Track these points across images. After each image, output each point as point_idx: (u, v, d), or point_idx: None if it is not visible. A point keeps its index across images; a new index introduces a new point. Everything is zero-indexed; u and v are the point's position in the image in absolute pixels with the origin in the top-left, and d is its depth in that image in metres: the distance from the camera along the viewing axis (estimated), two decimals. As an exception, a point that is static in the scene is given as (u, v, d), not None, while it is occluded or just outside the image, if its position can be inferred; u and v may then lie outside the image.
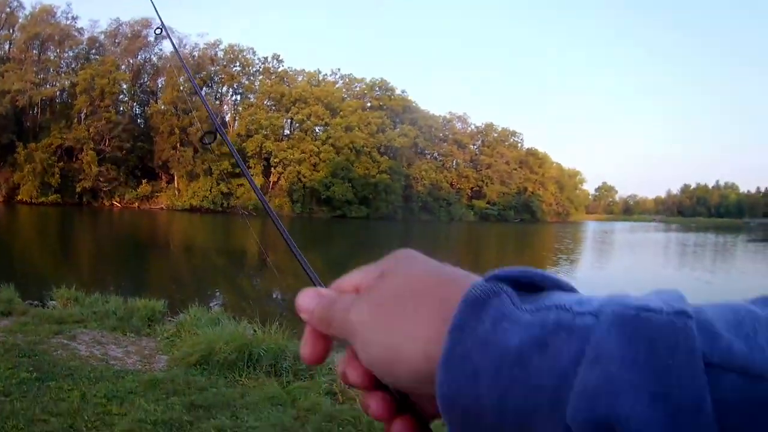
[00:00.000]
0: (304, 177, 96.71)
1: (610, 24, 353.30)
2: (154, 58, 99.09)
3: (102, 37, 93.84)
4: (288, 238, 0.86)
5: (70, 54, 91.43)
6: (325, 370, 9.55)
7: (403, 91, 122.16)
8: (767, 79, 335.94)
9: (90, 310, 13.50)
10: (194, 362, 9.72)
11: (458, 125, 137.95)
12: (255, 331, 11.28)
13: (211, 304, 17.69)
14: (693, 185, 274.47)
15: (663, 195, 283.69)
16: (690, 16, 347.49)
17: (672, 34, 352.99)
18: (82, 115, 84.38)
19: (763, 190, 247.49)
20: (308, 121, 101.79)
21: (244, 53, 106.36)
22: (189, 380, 8.74)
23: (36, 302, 14.93)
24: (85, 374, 8.45)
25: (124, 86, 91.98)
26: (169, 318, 13.98)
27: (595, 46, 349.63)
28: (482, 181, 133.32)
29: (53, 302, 14.76)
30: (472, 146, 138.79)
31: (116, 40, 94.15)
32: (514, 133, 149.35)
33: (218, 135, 1.84)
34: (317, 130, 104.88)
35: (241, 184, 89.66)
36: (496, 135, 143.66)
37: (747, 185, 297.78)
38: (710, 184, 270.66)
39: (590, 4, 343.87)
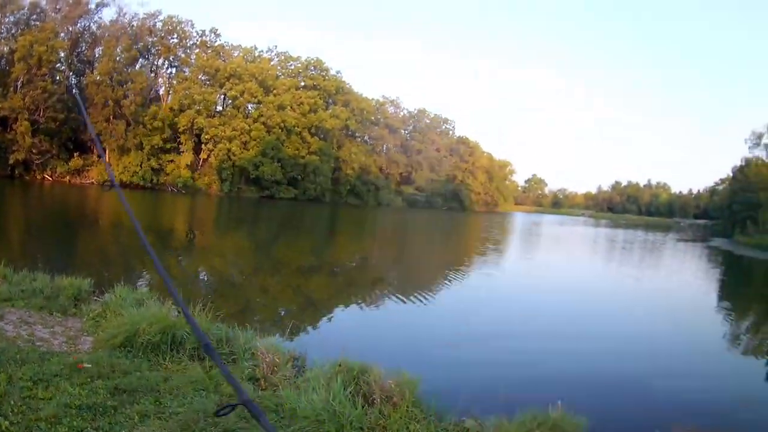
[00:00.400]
0: (234, 155, 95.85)
1: (545, 15, 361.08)
2: (94, 27, 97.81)
3: (44, 2, 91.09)
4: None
5: (11, 19, 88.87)
6: (247, 355, 10.40)
7: (337, 72, 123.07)
8: (707, 82, 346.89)
9: (18, 288, 13.80)
10: (119, 344, 10.06)
11: (390, 109, 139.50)
12: (178, 312, 11.17)
13: (138, 284, 17.66)
14: (624, 183, 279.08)
15: (593, 191, 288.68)
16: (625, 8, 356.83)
17: (607, 26, 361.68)
18: (19, 84, 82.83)
19: (695, 192, 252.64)
20: (241, 98, 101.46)
21: (182, 25, 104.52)
22: (113, 363, 9.03)
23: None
24: (11, 356, 8.69)
25: (62, 54, 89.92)
26: (96, 297, 14.12)
27: (532, 37, 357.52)
28: (412, 167, 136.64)
29: (-22, 278, 14.83)
30: (403, 131, 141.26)
31: (57, 6, 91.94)
32: (446, 120, 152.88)
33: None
34: (249, 108, 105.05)
35: (171, 160, 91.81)
36: (428, 121, 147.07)
37: (679, 186, 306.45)
38: (642, 183, 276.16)
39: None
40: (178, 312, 10.98)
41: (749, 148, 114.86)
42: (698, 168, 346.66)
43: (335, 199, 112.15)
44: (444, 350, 15.28)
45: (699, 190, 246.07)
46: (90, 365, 8.83)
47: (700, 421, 11.16)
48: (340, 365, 9.32)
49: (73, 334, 11.16)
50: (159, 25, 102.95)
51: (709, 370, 16.60)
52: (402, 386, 8.84)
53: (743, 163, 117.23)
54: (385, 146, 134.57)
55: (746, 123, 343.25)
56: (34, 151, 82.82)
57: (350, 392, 8.47)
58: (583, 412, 8.86)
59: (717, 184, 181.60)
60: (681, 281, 39.31)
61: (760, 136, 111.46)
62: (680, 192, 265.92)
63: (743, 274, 53.40)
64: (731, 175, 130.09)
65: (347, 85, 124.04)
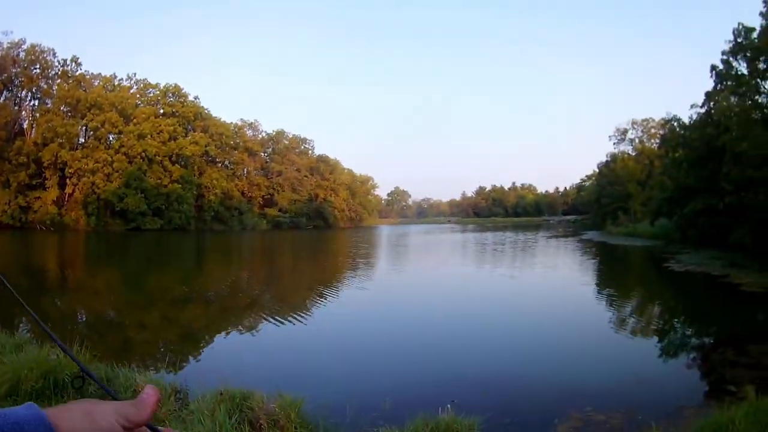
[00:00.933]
0: (98, 188, 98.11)
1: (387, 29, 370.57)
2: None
3: None
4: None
5: None
6: (129, 393, 10.07)
7: (196, 98, 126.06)
8: (557, 86, 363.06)
9: None
10: (4, 394, 9.62)
11: (249, 132, 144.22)
12: (57, 355, 10.86)
13: (19, 328, 17.28)
14: (489, 188, 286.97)
15: (458, 198, 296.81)
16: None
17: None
18: None
19: (561, 189, 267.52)
20: (102, 129, 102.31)
21: (45, 54, 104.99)
22: None
23: None
24: None
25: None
26: None
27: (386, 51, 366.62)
28: (273, 188, 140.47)
29: None
30: (262, 154, 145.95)
31: None
32: (305, 140, 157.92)
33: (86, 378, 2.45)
34: (111, 138, 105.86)
35: (38, 197, 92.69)
36: (287, 142, 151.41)
37: (545, 186, 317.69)
38: (507, 186, 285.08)
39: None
40: (57, 355, 10.89)
41: (614, 144, 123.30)
42: (560, 169, 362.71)
43: (200, 226, 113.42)
44: (325, 368, 15.48)
45: (566, 188, 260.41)
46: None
47: (597, 404, 11.55)
48: (221, 393, 9.29)
49: None
50: (22, 54, 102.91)
51: (601, 354, 17.45)
52: (286, 408, 8.90)
53: (609, 159, 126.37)
54: (245, 170, 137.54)
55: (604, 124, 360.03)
56: None
57: (236, 420, 8.53)
58: (475, 412, 9.16)
59: (583, 180, 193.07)
60: (562, 275, 41.04)
61: (624, 132, 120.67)
62: (546, 191, 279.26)
63: (620, 261, 57.38)
64: (597, 170, 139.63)
65: (206, 110, 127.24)
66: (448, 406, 9.20)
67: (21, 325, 18.65)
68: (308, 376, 14.28)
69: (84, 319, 24.65)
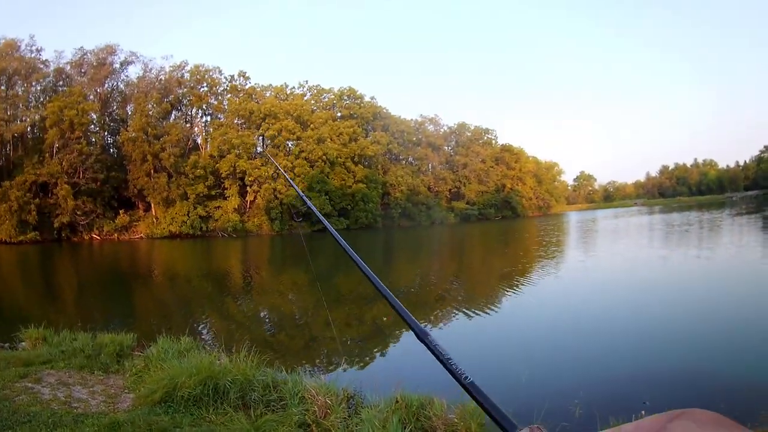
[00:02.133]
0: (280, 194, 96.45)
1: (574, 10, 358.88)
2: (122, 85, 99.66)
3: (68, 67, 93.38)
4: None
5: (38, 87, 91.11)
6: (296, 400, 9.53)
7: (372, 98, 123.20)
8: (741, 54, 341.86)
9: (58, 349, 13.45)
10: (158, 400, 9.44)
11: (430, 128, 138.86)
12: (219, 361, 11.10)
13: (187, 334, 15.74)
14: (671, 166, 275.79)
15: (642, 179, 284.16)
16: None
17: (641, 13, 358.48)
18: (54, 149, 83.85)
19: (742, 163, 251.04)
20: (279, 137, 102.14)
21: (211, 73, 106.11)
22: (151, 422, 8.42)
23: (5, 344, 15.22)
24: (43, 420, 8.26)
25: (94, 116, 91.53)
26: (138, 352, 13.62)
27: (562, 30, 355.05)
28: (459, 181, 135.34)
29: (22, 343, 14.83)
30: (446, 148, 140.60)
31: (82, 70, 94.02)
32: (487, 131, 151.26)
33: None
34: (289, 145, 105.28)
35: (219, 206, 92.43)
36: (469, 134, 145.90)
37: (726, 160, 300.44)
38: (689, 163, 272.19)
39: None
40: (221, 361, 11.00)
41: None
42: (739, 140, 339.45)
43: (387, 223, 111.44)
44: (510, 368, 14.03)
45: (746, 161, 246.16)
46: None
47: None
48: (397, 401, 8.68)
49: (113, 392, 10.66)
50: (187, 75, 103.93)
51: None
52: (467, 418, 8.08)
53: None
54: (430, 165, 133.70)
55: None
56: (78, 212, 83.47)
57: (410, 430, 7.94)
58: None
59: (763, 151, 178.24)
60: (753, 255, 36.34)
61: None
62: (728, 166, 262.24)
63: None
64: None
65: (384, 110, 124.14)
66: (642, 412, 8.26)
67: (188, 330, 17.92)
68: (493, 377, 13.03)
69: (266, 318, 24.96)
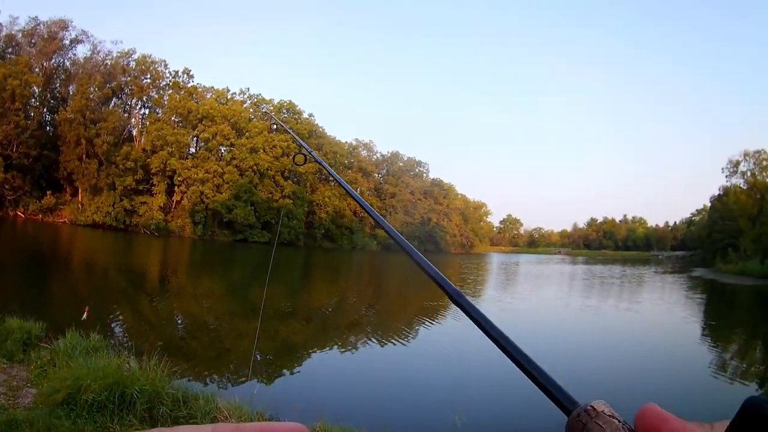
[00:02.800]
0: (207, 198, 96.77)
1: (507, 59, 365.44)
2: (68, 63, 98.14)
3: (19, 35, 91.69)
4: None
5: None
6: (208, 419, 9.17)
7: (310, 115, 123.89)
8: (673, 116, 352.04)
9: None
10: (60, 401, 8.99)
11: (363, 153, 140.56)
12: (130, 366, 10.66)
13: (98, 330, 15.12)
14: (600, 219, 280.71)
15: (569, 229, 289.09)
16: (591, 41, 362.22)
17: (591, 63, 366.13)
18: None
19: (671, 224, 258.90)
20: (213, 140, 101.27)
21: (156, 65, 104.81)
22: (51, 425, 8.06)
23: None
24: None
25: (36, 90, 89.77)
26: (45, 344, 13.07)
27: (496, 83, 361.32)
28: (386, 210, 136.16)
29: None
30: (377, 175, 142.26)
31: (32, 40, 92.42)
32: (419, 163, 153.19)
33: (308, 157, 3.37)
34: (222, 150, 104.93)
35: (144, 202, 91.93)
36: (401, 164, 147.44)
37: (655, 219, 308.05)
38: (618, 219, 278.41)
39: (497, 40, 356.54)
40: (130, 366, 10.71)
41: (726, 176, 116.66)
42: (671, 201, 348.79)
43: (309, 243, 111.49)
44: (413, 402, 14.57)
45: (675, 222, 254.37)
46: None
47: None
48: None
49: (15, 384, 10.35)
50: (133, 64, 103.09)
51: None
52: None
53: (721, 192, 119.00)
54: (359, 189, 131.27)
55: (719, 153, 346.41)
56: (6, 186, 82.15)
57: None
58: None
59: (693, 215, 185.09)
60: (671, 314, 39.40)
61: (737, 164, 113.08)
62: (657, 225, 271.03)
63: (728, 301, 55.12)
64: (709, 204, 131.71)
65: (320, 129, 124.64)
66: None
67: (102, 326, 17.60)
68: (406, 409, 13.62)
69: (181, 323, 24.96)
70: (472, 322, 1.20)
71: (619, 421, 0.75)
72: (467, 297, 1.29)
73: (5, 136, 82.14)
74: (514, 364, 1.07)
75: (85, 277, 36.68)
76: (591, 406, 0.81)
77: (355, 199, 2.48)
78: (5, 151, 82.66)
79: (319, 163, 3.43)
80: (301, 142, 3.82)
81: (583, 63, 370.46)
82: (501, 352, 1.14)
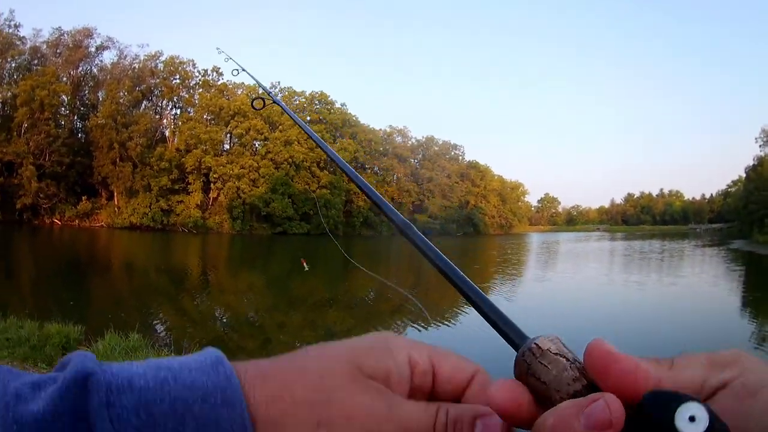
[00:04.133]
0: (244, 193, 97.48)
1: (543, 38, 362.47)
2: (95, 70, 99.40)
3: (44, 47, 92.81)
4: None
5: (12, 64, 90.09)
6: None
7: (342, 105, 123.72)
8: (711, 86, 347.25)
9: (3, 336, 12.93)
10: None
11: (398, 139, 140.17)
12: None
13: (137, 330, 14.56)
14: (637, 194, 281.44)
15: (607, 205, 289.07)
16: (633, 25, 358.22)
17: (613, 42, 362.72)
18: (23, 129, 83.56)
19: (708, 196, 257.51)
20: (247, 136, 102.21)
21: (185, 66, 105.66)
22: None
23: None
24: None
25: (65, 98, 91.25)
26: (84, 346, 12.83)
27: (536, 58, 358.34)
28: (424, 195, 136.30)
29: (-33, 329, 13.55)
30: (412, 160, 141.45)
31: (58, 50, 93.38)
32: (455, 146, 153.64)
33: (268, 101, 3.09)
34: (256, 145, 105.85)
35: (181, 201, 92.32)
36: (437, 148, 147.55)
37: (692, 192, 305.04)
38: (654, 193, 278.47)
39: (533, 21, 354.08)
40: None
41: (760, 146, 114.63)
42: (709, 172, 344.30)
43: (348, 231, 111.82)
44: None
45: (712, 194, 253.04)
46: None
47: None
48: None
49: None
50: (160, 66, 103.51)
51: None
52: None
53: (756, 162, 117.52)
54: (395, 176, 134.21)
55: (753, 123, 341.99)
56: (41, 195, 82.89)
57: None
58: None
59: (729, 186, 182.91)
60: (714, 287, 38.79)
61: None
62: (693, 198, 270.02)
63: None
64: (744, 175, 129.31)
65: (353, 117, 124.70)
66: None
67: (141, 326, 16.31)
68: None
69: (222, 318, 24.86)
70: (417, 251, 1.16)
71: (568, 360, 0.70)
72: (415, 228, 1.24)
73: (37, 146, 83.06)
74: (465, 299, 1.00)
75: (125, 278, 36.84)
76: (535, 343, 0.74)
77: (322, 148, 2.16)
78: (38, 160, 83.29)
79: (279, 105, 3.04)
80: (260, 83, 3.65)
81: (602, 47, 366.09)
82: (452, 285, 1.08)
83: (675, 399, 0.56)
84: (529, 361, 0.71)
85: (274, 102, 3.13)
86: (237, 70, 3.66)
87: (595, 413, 0.58)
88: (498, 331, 0.86)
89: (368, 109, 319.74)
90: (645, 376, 0.62)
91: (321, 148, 2.09)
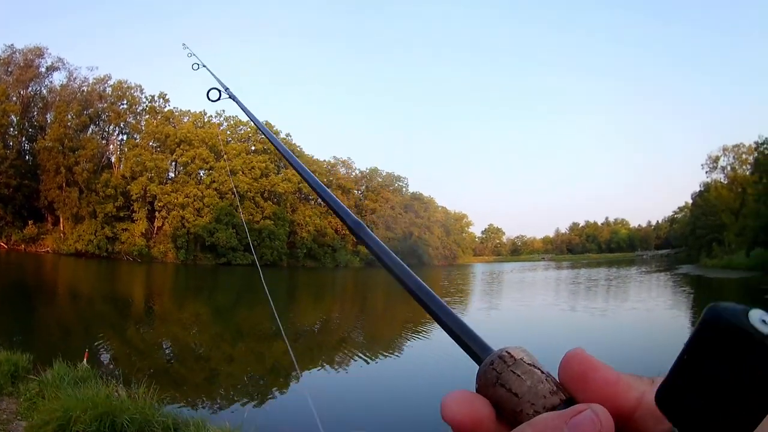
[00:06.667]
0: (188, 222, 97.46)
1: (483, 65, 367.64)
2: (45, 91, 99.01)
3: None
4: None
5: None
6: None
7: (287, 135, 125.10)
8: (649, 115, 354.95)
9: None
10: None
11: (342, 170, 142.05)
12: (119, 394, 10.64)
13: (85, 359, 15.03)
14: (582, 223, 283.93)
15: (551, 234, 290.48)
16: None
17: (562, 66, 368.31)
18: None
19: (654, 223, 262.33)
20: (192, 164, 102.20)
21: (132, 91, 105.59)
22: None
23: None
24: None
25: (14, 119, 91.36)
26: (33, 376, 12.88)
27: (477, 85, 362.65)
28: (367, 226, 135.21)
29: None
30: (356, 191, 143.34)
31: (9, 69, 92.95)
32: (399, 178, 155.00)
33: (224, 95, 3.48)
34: (201, 174, 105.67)
35: (126, 229, 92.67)
36: (380, 180, 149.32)
37: (638, 220, 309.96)
38: (600, 222, 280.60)
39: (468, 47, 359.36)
40: (119, 394, 10.79)
41: (706, 172, 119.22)
42: (652, 201, 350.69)
43: (292, 262, 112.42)
44: (400, 410, 15.33)
45: (658, 221, 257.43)
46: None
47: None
48: None
49: (5, 417, 10.43)
50: (109, 90, 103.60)
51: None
52: None
53: (702, 188, 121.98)
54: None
55: (697, 150, 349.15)
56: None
57: None
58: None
59: (675, 212, 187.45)
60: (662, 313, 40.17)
61: (716, 159, 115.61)
62: (639, 225, 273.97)
63: (715, 295, 54.09)
64: (690, 201, 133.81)
65: (297, 148, 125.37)
66: None
67: (89, 355, 16.37)
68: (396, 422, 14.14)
69: (169, 350, 25.37)
70: (373, 255, 1.14)
71: (543, 372, 0.68)
72: (367, 228, 1.23)
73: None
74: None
75: (70, 306, 37.36)
76: (507, 351, 0.72)
77: (274, 144, 2.24)
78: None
79: (234, 100, 3.50)
80: (216, 77, 4.03)
81: (552, 65, 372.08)
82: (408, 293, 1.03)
83: (740, 307, 0.52)
84: (499, 369, 0.70)
85: (230, 97, 3.53)
86: (197, 65, 4.57)
87: (583, 424, 0.55)
88: (458, 342, 0.83)
89: (312, 139, 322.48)
90: (627, 388, 0.61)
91: (273, 144, 2.21)
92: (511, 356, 0.70)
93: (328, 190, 1.56)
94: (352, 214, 1.33)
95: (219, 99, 3.43)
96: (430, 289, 0.93)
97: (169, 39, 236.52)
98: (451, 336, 0.87)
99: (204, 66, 4.49)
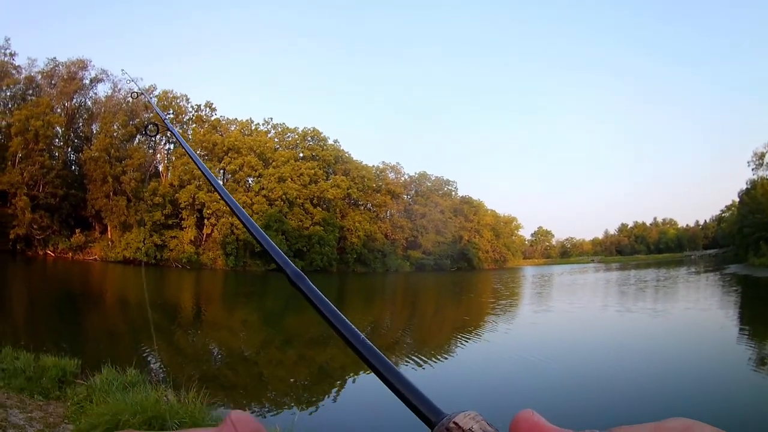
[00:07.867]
0: (238, 229, 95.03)
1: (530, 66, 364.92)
2: (89, 102, 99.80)
3: (39, 77, 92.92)
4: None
5: (8, 93, 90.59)
6: None
7: (335, 141, 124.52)
8: (694, 120, 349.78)
9: None
10: None
11: (391, 175, 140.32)
12: (168, 399, 10.55)
13: (134, 365, 14.72)
14: (630, 224, 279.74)
15: (600, 236, 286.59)
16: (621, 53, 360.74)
17: (602, 70, 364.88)
18: (17, 159, 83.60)
19: (701, 223, 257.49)
20: (241, 172, 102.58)
21: (178, 100, 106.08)
22: None
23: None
24: None
25: (59, 130, 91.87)
26: (81, 381, 13.08)
27: (522, 93, 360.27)
28: (417, 231, 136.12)
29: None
30: (405, 196, 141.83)
31: (52, 81, 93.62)
32: (447, 182, 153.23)
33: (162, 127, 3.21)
34: (250, 181, 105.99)
35: (175, 236, 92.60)
36: (429, 184, 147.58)
37: (686, 219, 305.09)
38: (648, 222, 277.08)
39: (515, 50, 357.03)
40: (168, 399, 10.55)
41: (752, 169, 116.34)
42: (700, 199, 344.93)
43: (342, 268, 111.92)
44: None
45: (705, 221, 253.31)
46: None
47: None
48: None
49: (52, 420, 10.26)
50: (154, 100, 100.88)
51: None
52: None
53: (749, 186, 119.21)
54: (388, 212, 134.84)
55: (744, 148, 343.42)
56: (34, 226, 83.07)
57: None
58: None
59: (723, 211, 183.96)
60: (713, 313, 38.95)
61: (762, 156, 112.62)
62: (687, 225, 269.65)
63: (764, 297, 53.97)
64: (737, 200, 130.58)
65: (346, 154, 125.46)
66: None
67: (136, 360, 16.44)
68: None
69: (218, 354, 25.19)
70: (316, 312, 1.05)
71: None
72: (308, 280, 1.20)
73: (31, 176, 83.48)
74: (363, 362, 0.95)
75: (118, 312, 37.04)
76: (454, 421, 0.68)
77: (205, 175, 2.30)
78: (32, 191, 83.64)
79: (171, 130, 3.36)
80: (157, 109, 3.82)
81: (592, 69, 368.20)
82: (352, 351, 1.04)
83: None
84: None
85: (168, 129, 3.38)
86: (136, 93, 4.18)
87: None
88: (408, 405, 0.80)
89: (361, 145, 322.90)
90: None
91: (204, 175, 2.21)
92: (458, 426, 0.68)
93: (262, 231, 1.59)
94: (292, 264, 1.31)
95: (157, 133, 3.27)
96: (372, 345, 0.91)
97: (226, 59, 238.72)
98: (400, 398, 0.84)
99: (142, 94, 4.40)
